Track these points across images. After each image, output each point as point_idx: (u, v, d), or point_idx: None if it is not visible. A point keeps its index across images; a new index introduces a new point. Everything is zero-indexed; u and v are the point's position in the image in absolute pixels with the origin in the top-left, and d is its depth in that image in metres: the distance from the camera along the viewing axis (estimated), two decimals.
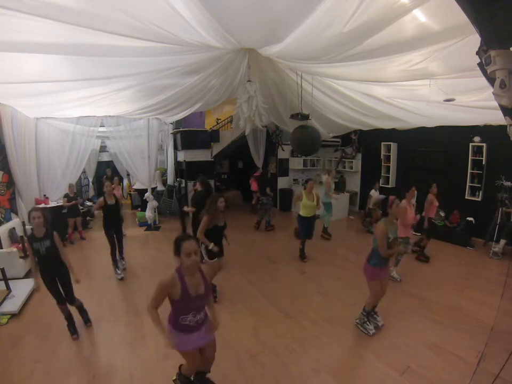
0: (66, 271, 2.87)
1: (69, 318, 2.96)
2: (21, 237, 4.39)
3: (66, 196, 5.91)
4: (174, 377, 2.25)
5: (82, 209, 6.99)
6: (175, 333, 1.89)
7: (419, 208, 4.76)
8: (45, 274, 2.81)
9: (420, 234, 5.94)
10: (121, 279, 4.20)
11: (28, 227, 4.25)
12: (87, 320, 3.11)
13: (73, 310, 3.02)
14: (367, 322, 3.01)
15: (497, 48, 1.15)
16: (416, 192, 4.40)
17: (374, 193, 6.47)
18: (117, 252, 4.44)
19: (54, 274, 2.82)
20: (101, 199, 4.20)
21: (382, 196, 5.87)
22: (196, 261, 1.77)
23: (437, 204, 4.78)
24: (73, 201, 5.87)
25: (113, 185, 6.57)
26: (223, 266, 3.64)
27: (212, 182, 8.09)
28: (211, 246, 3.20)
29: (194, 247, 1.77)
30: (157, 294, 1.81)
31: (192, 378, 2.19)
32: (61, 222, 5.63)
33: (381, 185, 7.16)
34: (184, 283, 1.80)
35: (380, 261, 2.86)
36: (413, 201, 4.46)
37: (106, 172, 8.27)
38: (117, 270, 4.32)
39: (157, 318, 1.83)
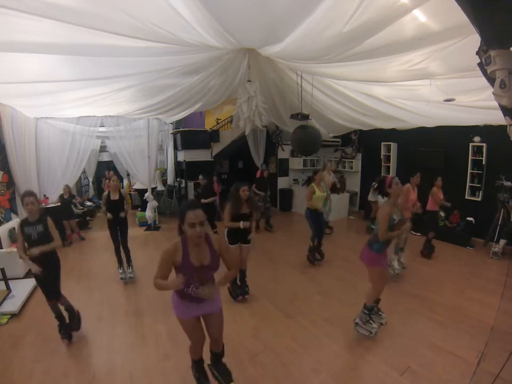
0: (57, 262, 2.77)
1: (59, 317, 2.79)
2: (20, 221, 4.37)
3: (61, 196, 5.88)
4: (208, 362, 2.29)
5: (82, 209, 6.99)
6: (177, 300, 1.90)
7: (421, 202, 4.76)
8: (35, 263, 2.59)
9: (420, 234, 5.94)
10: (123, 279, 4.13)
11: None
12: (75, 328, 2.89)
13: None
14: (371, 321, 2.73)
15: (497, 48, 1.14)
16: (420, 178, 4.41)
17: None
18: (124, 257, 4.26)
19: (43, 265, 2.61)
20: (104, 193, 4.09)
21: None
22: (198, 233, 1.65)
23: (441, 196, 4.83)
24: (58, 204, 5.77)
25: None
26: (249, 252, 3.64)
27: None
28: (241, 224, 3.26)
29: (199, 217, 1.64)
30: (160, 265, 1.76)
31: (199, 363, 2.19)
32: (57, 223, 5.54)
33: None
34: (186, 250, 1.74)
35: (383, 246, 2.65)
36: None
37: (107, 175, 8.07)
38: (119, 269, 4.20)
39: (162, 281, 1.76)
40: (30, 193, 2.59)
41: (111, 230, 4.10)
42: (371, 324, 2.72)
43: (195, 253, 1.76)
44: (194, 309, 1.93)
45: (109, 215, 3.97)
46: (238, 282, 3.71)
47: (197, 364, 2.20)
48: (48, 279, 2.69)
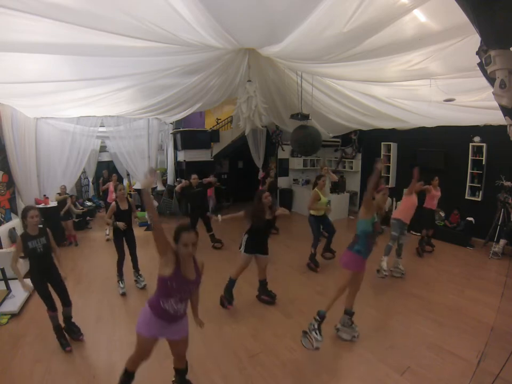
0: (58, 273, 2.78)
1: (56, 329, 2.78)
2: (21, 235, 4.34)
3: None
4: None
5: (82, 209, 6.98)
6: (150, 317, 1.91)
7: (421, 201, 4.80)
8: (37, 276, 2.67)
9: (419, 233, 5.93)
10: (123, 294, 3.81)
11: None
12: (75, 337, 2.86)
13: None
14: (317, 331, 2.47)
15: (497, 48, 1.15)
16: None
17: None
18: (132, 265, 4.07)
19: (47, 276, 2.70)
20: (113, 205, 3.85)
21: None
22: (191, 253, 1.82)
23: (434, 194, 4.92)
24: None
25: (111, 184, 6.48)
26: (267, 263, 3.60)
27: None
28: (219, 217, 3.48)
29: (192, 239, 1.81)
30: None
31: (130, 376, 2.09)
32: (56, 223, 5.35)
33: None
34: (178, 263, 1.85)
35: (365, 249, 2.60)
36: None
37: (103, 173, 7.94)
38: (120, 282, 3.91)
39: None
40: (33, 207, 2.70)
41: (116, 239, 3.94)
42: (316, 334, 2.48)
43: (185, 268, 1.88)
44: (161, 330, 1.93)
45: (120, 224, 3.79)
46: (257, 292, 3.66)
47: (128, 375, 2.09)
48: (56, 286, 2.78)
